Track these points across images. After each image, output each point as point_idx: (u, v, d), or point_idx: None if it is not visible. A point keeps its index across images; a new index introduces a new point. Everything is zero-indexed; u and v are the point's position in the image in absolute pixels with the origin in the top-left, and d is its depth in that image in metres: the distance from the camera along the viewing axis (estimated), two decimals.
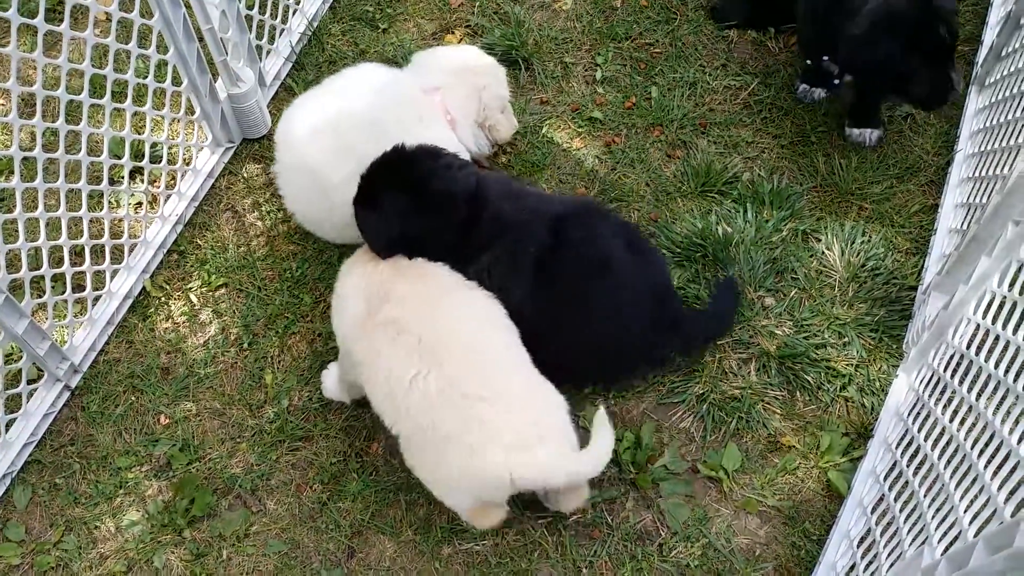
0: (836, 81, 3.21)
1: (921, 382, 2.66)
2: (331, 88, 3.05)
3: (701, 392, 2.86)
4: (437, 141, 2.77)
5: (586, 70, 3.65)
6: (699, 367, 2.90)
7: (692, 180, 3.31)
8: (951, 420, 2.30)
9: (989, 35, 3.46)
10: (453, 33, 3.74)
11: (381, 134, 2.78)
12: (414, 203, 2.61)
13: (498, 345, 2.49)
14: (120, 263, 3.11)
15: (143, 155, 3.22)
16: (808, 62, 3.35)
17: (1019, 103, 2.86)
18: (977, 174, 2.98)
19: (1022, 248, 2.26)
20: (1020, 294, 2.19)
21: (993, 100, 3.15)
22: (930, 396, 2.53)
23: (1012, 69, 3.04)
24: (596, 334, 2.71)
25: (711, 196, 3.28)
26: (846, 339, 2.94)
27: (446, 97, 3.04)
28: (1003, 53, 3.20)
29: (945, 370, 2.50)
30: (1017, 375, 2.06)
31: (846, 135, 3.34)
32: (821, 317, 2.99)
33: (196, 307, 3.11)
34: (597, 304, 2.69)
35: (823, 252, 3.12)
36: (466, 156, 3.03)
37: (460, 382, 2.34)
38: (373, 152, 2.73)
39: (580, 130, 3.49)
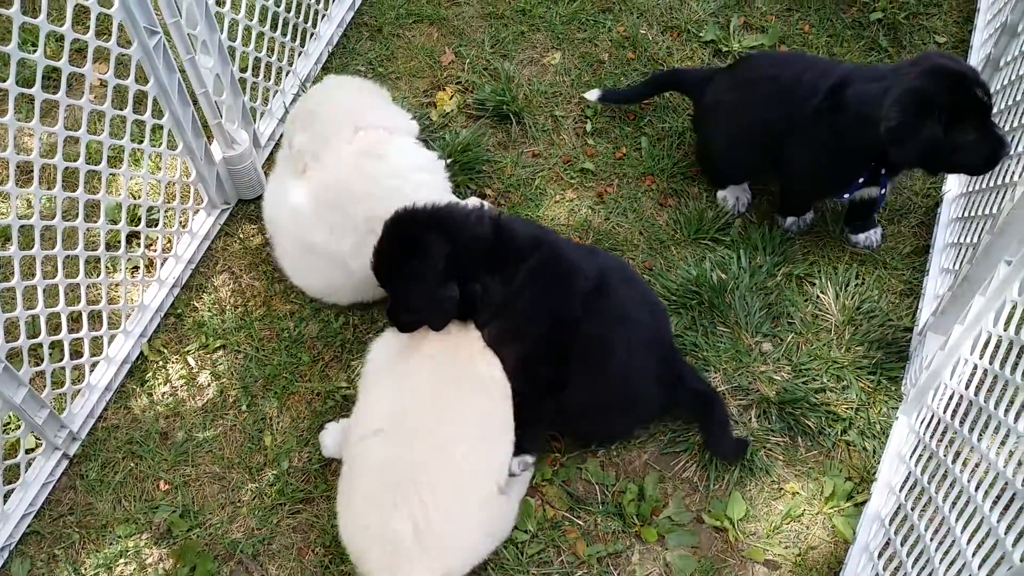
0: (883, 191, 3.04)
1: (921, 424, 2.66)
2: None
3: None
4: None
5: (576, 122, 3.70)
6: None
7: (685, 228, 3.34)
8: (953, 462, 2.30)
9: None
10: (444, 90, 3.79)
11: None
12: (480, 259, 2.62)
13: (474, 464, 2.50)
14: (118, 328, 3.11)
15: (139, 219, 3.24)
16: (809, 213, 3.30)
17: (1012, 139, 2.90)
18: (966, 214, 3.01)
19: (1015, 287, 2.28)
20: (1016, 333, 2.21)
21: None
22: (931, 438, 2.53)
23: (997, 108, 3.09)
24: (613, 386, 2.72)
25: (704, 243, 3.31)
26: (845, 382, 2.94)
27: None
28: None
29: (945, 411, 2.51)
30: (1017, 415, 2.06)
31: (853, 242, 3.27)
32: (819, 361, 2.99)
33: (194, 370, 3.10)
34: (618, 356, 2.69)
35: (818, 296, 3.14)
36: None
37: (411, 469, 2.41)
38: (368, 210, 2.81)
39: (572, 181, 3.53)
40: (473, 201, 3.36)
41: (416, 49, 3.91)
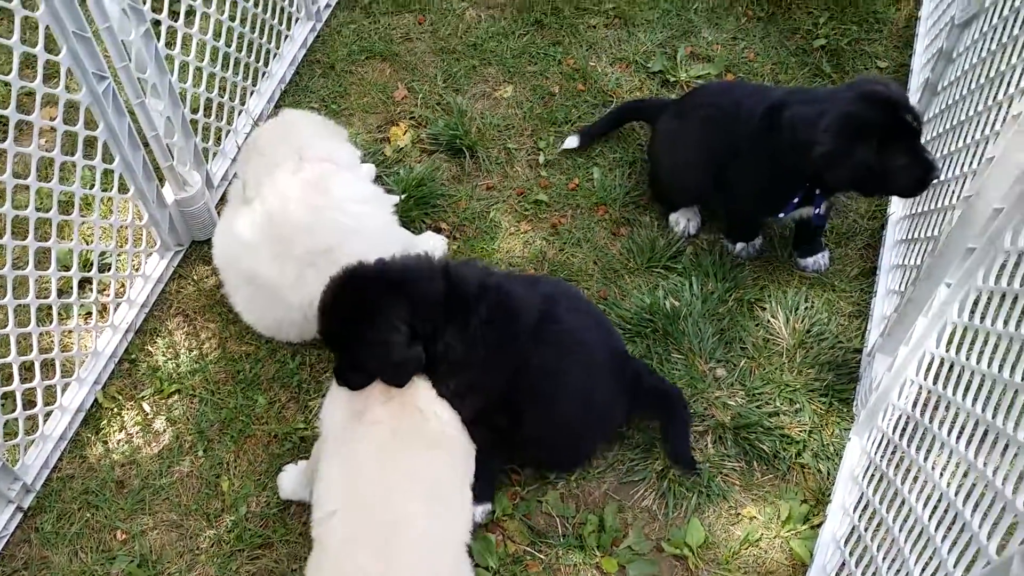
0: (818, 211, 3.10)
1: (872, 444, 2.71)
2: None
3: (661, 469, 2.88)
4: None
5: (529, 155, 3.74)
6: (658, 443, 2.92)
7: (638, 257, 3.38)
8: (903, 482, 2.34)
9: (912, 101, 3.61)
10: (398, 125, 3.82)
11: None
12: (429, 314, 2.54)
13: (436, 536, 2.41)
14: (71, 376, 3.08)
15: (92, 264, 3.22)
16: (758, 239, 3.36)
17: (948, 163, 2.97)
18: (910, 236, 3.08)
19: (955, 309, 2.34)
20: (957, 354, 2.26)
21: None
22: (882, 458, 2.57)
23: (928, 137, 3.17)
24: (570, 413, 2.74)
25: (657, 271, 3.35)
26: (798, 405, 2.99)
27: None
28: (926, 116, 3.34)
29: (894, 432, 2.55)
30: (959, 436, 2.11)
31: (802, 267, 3.34)
32: (772, 385, 3.04)
33: (149, 416, 3.08)
34: (571, 382, 2.71)
35: (768, 320, 3.19)
36: None
37: (371, 553, 2.29)
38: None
39: (527, 213, 3.56)
40: (427, 240, 3.39)
41: (369, 85, 3.94)
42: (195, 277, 3.43)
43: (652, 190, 3.55)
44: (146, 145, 3.19)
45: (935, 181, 2.79)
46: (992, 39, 2.75)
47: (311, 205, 2.96)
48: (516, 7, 4.10)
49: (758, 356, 3.12)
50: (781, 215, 3.08)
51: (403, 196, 3.47)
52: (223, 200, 3.61)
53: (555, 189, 3.62)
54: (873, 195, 3.25)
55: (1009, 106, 2.46)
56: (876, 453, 2.64)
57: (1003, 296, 2.06)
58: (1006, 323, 2.01)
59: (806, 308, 3.21)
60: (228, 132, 3.69)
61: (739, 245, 3.37)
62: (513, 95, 3.90)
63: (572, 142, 3.66)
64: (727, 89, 3.38)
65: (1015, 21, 2.58)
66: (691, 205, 3.45)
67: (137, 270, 3.35)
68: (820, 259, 3.31)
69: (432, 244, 3.41)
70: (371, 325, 2.47)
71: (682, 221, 3.45)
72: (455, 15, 4.11)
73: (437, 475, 2.47)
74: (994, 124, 2.54)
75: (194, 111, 3.40)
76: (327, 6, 4.09)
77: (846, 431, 2.93)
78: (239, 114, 3.73)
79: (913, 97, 3.57)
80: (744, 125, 3.03)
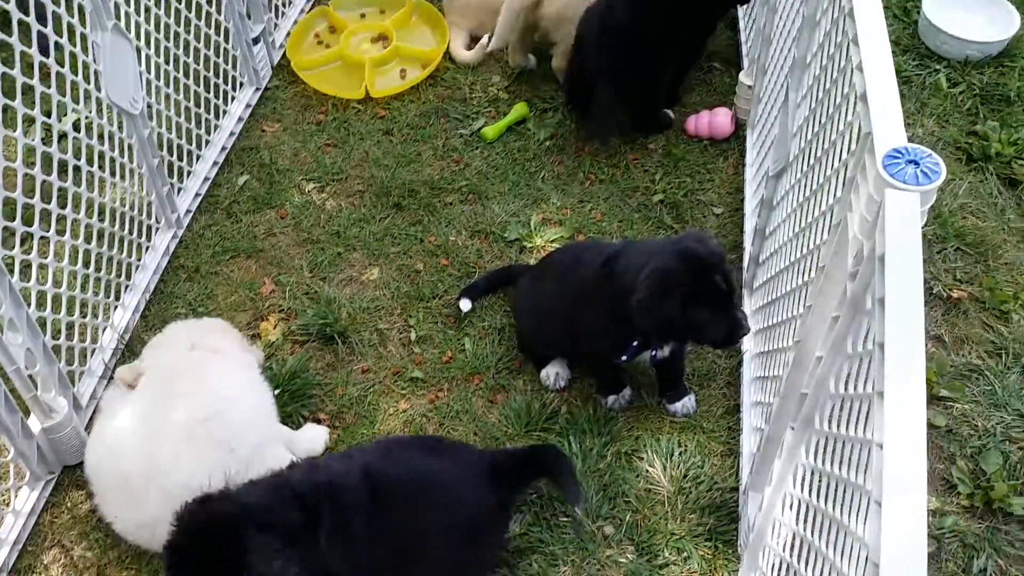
0: (654, 353, 3.27)
1: None
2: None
3: None
4: None
5: (401, 333, 3.83)
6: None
7: (515, 422, 3.46)
8: None
9: (747, 243, 3.89)
10: (267, 320, 3.87)
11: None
12: None
13: None
14: None
15: None
16: (627, 389, 3.52)
17: (782, 305, 3.20)
18: (763, 374, 3.27)
19: (801, 451, 2.49)
20: (811, 495, 2.39)
21: (763, 303, 3.51)
22: None
23: (769, 275, 3.42)
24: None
25: (536, 434, 3.44)
26: (685, 553, 3.06)
27: None
28: (760, 260, 3.61)
29: (774, 573, 2.64)
30: None
31: (671, 412, 3.49)
32: (659, 536, 3.11)
33: None
34: (435, 529, 2.79)
35: (647, 470, 3.29)
36: None
37: None
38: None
39: (404, 392, 3.62)
40: (308, 433, 3.41)
41: (235, 284, 4.00)
42: (69, 504, 3.32)
43: (520, 349, 3.69)
44: (6, 379, 3.14)
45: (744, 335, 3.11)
46: (799, 191, 3.03)
47: (195, 375, 3.13)
48: (374, 193, 4.28)
49: (642, 508, 3.20)
50: (624, 358, 3.25)
51: (277, 391, 3.49)
52: (92, 419, 3.56)
53: (429, 364, 3.70)
54: (695, 344, 3.45)
55: (818, 256, 2.69)
56: None
57: (835, 440, 2.21)
58: (840, 468, 2.15)
59: (680, 453, 3.34)
60: (94, 350, 3.66)
61: (610, 398, 3.50)
62: (380, 276, 4.02)
63: (466, 305, 3.81)
64: (572, 247, 3.75)
65: (814, 176, 2.85)
66: (555, 357, 3.62)
67: (7, 506, 3.23)
68: (687, 402, 3.47)
69: (312, 437, 3.43)
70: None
71: (552, 374, 3.59)
72: (316, 207, 4.26)
73: None
74: (809, 271, 2.77)
75: (55, 336, 3.38)
76: (187, 212, 4.18)
77: (734, 573, 3.00)
78: (104, 331, 3.72)
79: (747, 240, 3.87)
80: (585, 275, 3.29)
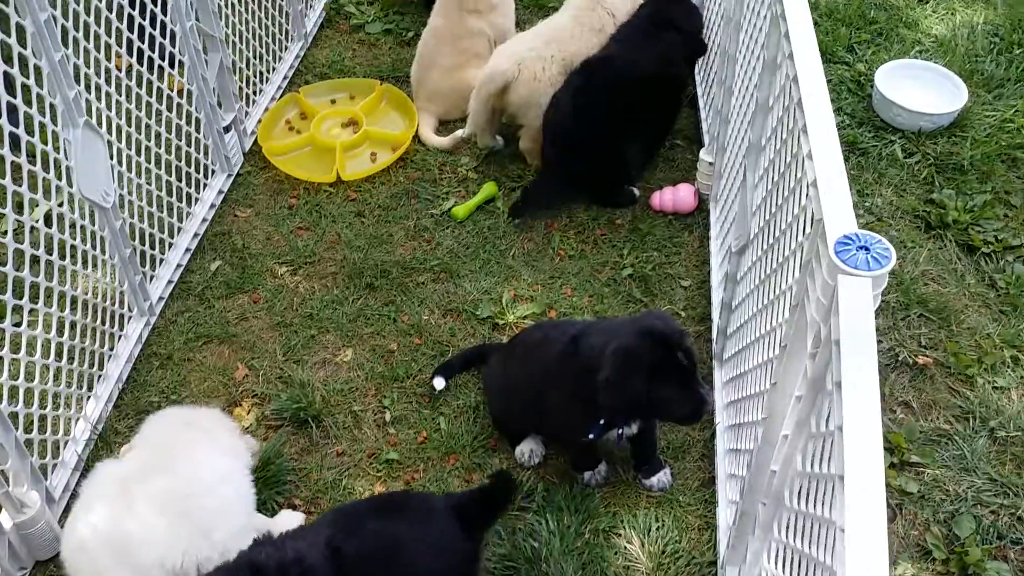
0: (620, 432, 3.30)
1: None
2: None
3: None
4: None
5: (375, 414, 3.84)
6: None
7: None
8: None
9: (715, 316, 3.96)
10: (241, 405, 3.87)
11: None
12: None
13: None
14: None
15: None
16: (602, 465, 3.54)
17: (751, 378, 3.25)
18: (736, 447, 3.31)
19: (775, 527, 2.51)
20: (785, 573, 2.40)
21: (733, 375, 3.57)
22: None
23: (737, 348, 3.48)
24: None
25: (513, 513, 3.43)
26: None
27: None
28: (728, 332, 3.68)
29: None
30: None
31: (647, 486, 3.51)
32: None
33: None
34: None
35: (625, 547, 3.30)
36: None
37: None
38: None
39: (379, 474, 3.62)
40: (284, 520, 3.38)
41: (208, 370, 4.00)
42: None
43: (495, 426, 3.72)
44: None
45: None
46: (761, 267, 3.11)
47: (181, 452, 3.12)
48: (347, 274, 4.33)
49: None
50: (591, 435, 3.27)
51: (251, 479, 3.46)
52: (66, 513, 3.51)
53: (405, 445, 3.71)
54: (660, 420, 3.49)
55: (780, 334, 2.75)
56: None
57: (804, 518, 2.24)
58: (811, 547, 2.17)
59: (658, 528, 3.35)
60: (67, 442, 3.64)
61: (587, 474, 3.51)
62: (353, 358, 4.04)
63: (439, 383, 3.84)
64: (540, 326, 3.80)
65: (774, 255, 2.93)
66: (529, 434, 3.64)
67: None
68: (663, 477, 3.49)
69: (288, 523, 3.40)
70: None
71: (527, 451, 3.61)
72: (289, 290, 4.29)
73: None
74: (774, 347, 2.83)
75: (27, 430, 3.36)
76: (160, 299, 4.19)
77: None
78: (77, 422, 3.70)
79: (715, 312, 3.93)
80: (551, 354, 3.34)
